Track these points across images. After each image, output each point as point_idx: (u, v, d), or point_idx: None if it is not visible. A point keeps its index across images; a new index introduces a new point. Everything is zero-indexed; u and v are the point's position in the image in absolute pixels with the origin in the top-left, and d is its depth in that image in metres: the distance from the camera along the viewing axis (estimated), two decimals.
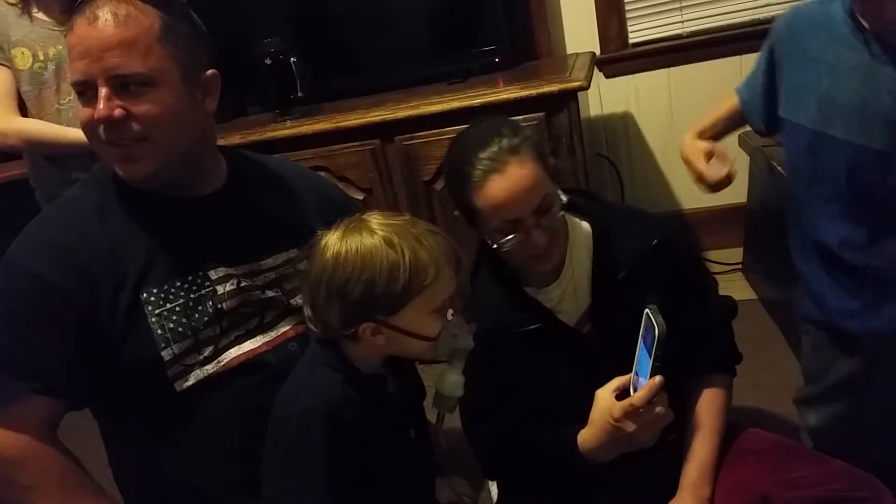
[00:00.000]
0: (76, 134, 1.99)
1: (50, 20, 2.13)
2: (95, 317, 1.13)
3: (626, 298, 1.28)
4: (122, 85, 1.10)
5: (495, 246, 1.26)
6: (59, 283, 1.12)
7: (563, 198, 1.25)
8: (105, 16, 1.09)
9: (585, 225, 1.35)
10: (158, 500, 1.23)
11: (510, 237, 1.23)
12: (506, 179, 1.19)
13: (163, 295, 1.16)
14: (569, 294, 1.33)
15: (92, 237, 1.16)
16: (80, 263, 1.13)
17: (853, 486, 1.16)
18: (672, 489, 1.27)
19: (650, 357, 1.14)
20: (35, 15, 2.13)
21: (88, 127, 1.13)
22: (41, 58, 2.11)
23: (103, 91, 1.10)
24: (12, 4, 2.13)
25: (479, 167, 1.20)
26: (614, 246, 1.32)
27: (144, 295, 1.15)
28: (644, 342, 1.18)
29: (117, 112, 1.10)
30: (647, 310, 1.16)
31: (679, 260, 1.35)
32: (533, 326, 1.29)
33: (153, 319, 1.14)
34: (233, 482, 1.18)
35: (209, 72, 1.21)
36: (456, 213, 1.31)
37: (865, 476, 1.18)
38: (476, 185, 1.21)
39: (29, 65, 2.13)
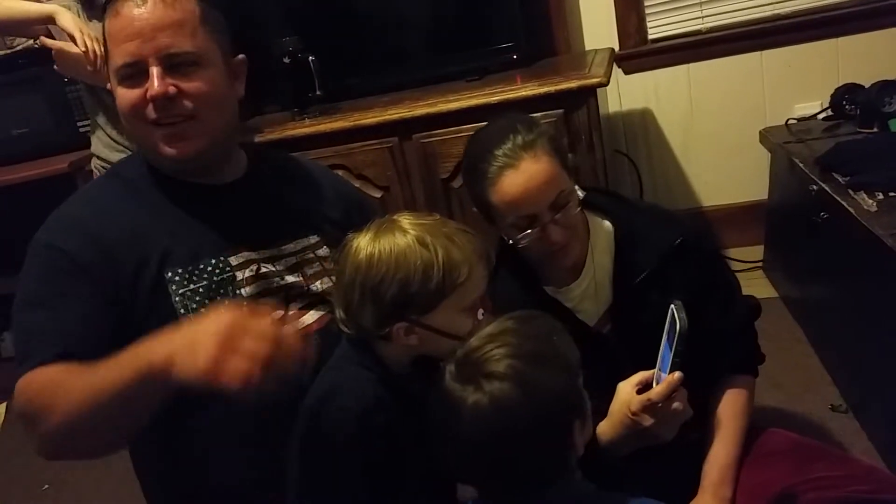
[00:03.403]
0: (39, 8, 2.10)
1: None
2: (118, 293, 1.14)
3: (647, 299, 1.27)
4: (173, 65, 1.15)
5: (511, 242, 1.26)
6: (82, 258, 1.14)
7: (580, 193, 1.25)
8: None
9: (607, 224, 1.35)
10: (179, 493, 1.24)
11: (526, 233, 1.23)
12: (519, 175, 1.20)
13: (186, 275, 1.17)
14: (589, 294, 1.33)
15: (115, 216, 1.19)
16: (103, 240, 1.15)
17: (879, 489, 1.14)
18: (693, 489, 1.26)
19: (671, 352, 1.13)
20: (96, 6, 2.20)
21: (136, 107, 1.16)
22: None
23: (156, 70, 1.13)
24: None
25: (494, 163, 1.22)
26: (637, 245, 1.31)
27: (169, 274, 1.16)
28: (667, 338, 1.17)
29: (171, 89, 1.14)
30: (672, 305, 1.16)
31: (702, 260, 1.34)
32: None
33: (177, 299, 1.16)
34: (252, 474, 1.18)
35: (239, 56, 1.26)
36: (475, 209, 1.31)
37: (891, 477, 1.16)
38: (491, 182, 1.22)
39: None
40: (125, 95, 1.16)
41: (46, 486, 2.41)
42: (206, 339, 0.87)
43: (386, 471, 1.06)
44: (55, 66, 2.20)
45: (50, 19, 2.10)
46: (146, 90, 1.14)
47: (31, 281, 1.17)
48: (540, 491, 0.99)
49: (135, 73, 1.14)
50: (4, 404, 3.03)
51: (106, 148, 2.31)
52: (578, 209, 1.26)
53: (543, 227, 1.22)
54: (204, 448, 1.19)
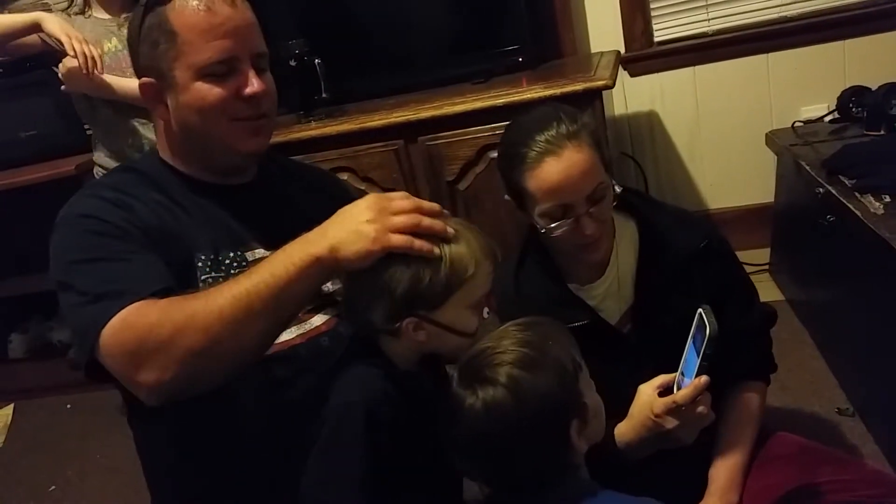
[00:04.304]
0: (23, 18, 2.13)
1: (108, 17, 2.22)
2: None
3: (669, 300, 1.27)
4: (258, 66, 1.20)
5: (543, 231, 1.25)
6: (120, 225, 1.13)
7: (618, 188, 1.25)
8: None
9: (632, 224, 1.34)
10: (188, 493, 1.24)
11: (559, 223, 1.22)
12: (561, 162, 1.19)
13: (210, 263, 1.18)
14: (612, 292, 1.32)
15: (139, 199, 1.18)
16: (134, 213, 1.15)
17: (886, 493, 1.14)
18: (699, 492, 1.26)
19: (698, 356, 1.13)
20: (95, 14, 2.22)
21: (224, 103, 1.17)
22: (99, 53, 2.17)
23: (252, 69, 1.18)
24: (71, 6, 2.20)
25: (535, 149, 1.21)
26: (661, 246, 1.31)
27: (194, 260, 1.17)
28: (693, 341, 1.16)
29: (265, 87, 1.18)
30: (700, 309, 1.15)
31: (726, 264, 1.33)
32: (577, 324, 1.27)
33: (201, 285, 1.15)
34: (262, 472, 1.18)
35: None
36: (506, 197, 1.31)
37: None
38: (530, 166, 1.21)
39: None
40: (211, 91, 1.17)
41: (53, 488, 2.42)
42: (362, 225, 1.01)
43: (392, 467, 1.07)
44: (62, 87, 2.20)
45: (36, 27, 2.10)
46: (236, 87, 1.17)
47: (73, 247, 1.12)
48: (542, 487, 1.03)
49: (226, 70, 1.17)
50: (11, 405, 3.04)
51: (108, 157, 2.31)
52: (613, 203, 1.26)
53: (578, 218, 1.21)
54: (215, 445, 1.19)
